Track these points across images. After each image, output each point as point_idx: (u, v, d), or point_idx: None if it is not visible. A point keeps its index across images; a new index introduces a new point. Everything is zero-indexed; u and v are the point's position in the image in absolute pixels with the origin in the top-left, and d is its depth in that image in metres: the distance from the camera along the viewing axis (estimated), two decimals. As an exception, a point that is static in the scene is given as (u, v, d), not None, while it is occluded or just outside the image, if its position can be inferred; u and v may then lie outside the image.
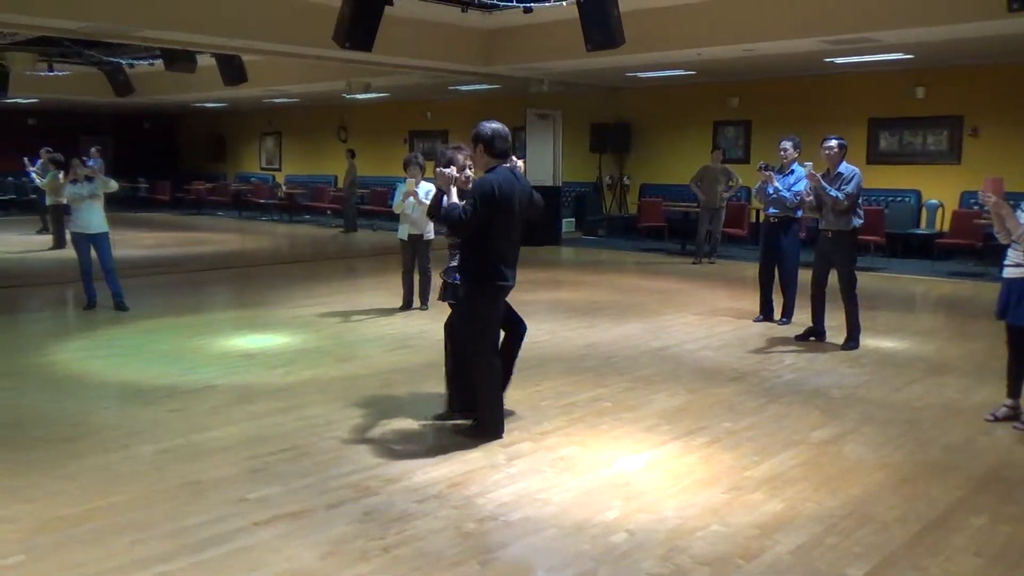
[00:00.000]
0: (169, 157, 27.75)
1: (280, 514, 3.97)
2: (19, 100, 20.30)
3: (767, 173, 8.21)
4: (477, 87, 17.48)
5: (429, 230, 8.98)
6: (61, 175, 14.02)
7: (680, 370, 6.76)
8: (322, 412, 5.57)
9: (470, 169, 5.22)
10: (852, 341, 7.51)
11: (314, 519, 3.93)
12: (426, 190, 8.30)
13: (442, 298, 5.44)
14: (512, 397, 5.53)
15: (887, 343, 7.76)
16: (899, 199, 14.08)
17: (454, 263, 5.24)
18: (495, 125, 4.97)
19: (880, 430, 5.30)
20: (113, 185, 9.09)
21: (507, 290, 5.06)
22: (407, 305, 9.18)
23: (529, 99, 16.82)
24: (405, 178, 8.65)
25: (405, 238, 9.06)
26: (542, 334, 8.02)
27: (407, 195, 8.60)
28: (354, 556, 3.57)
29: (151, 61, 15.20)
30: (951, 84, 13.53)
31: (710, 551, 3.67)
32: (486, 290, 4.96)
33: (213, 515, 3.95)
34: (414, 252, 9.06)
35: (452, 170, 4.98)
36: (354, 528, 3.84)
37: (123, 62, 15.50)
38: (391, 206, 9.05)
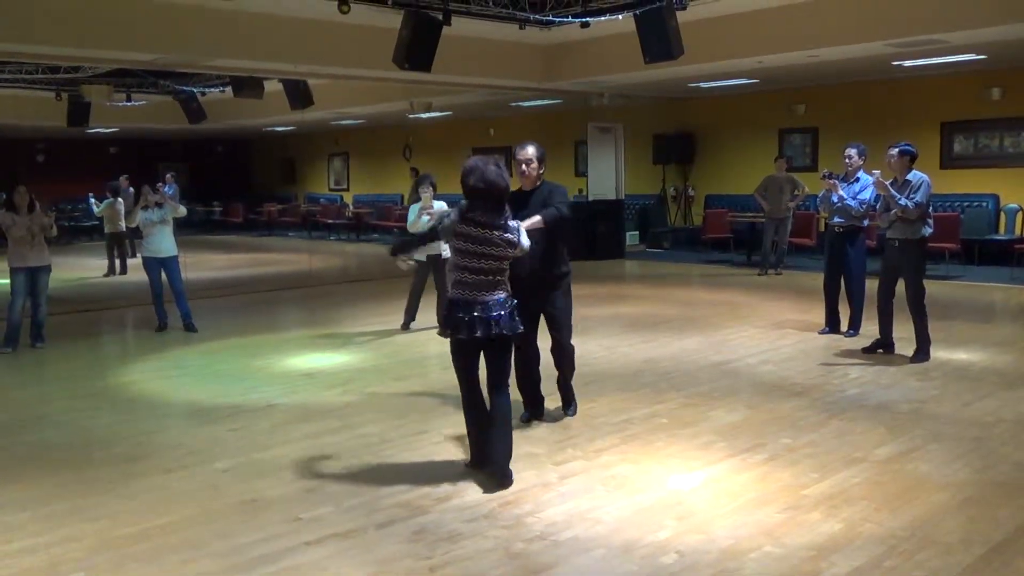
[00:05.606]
0: (242, 180, 28.53)
1: (331, 533, 4.01)
2: (100, 130, 21.18)
3: (831, 181, 8.03)
4: (538, 102, 17.53)
5: (446, 249, 8.89)
6: (120, 203, 14.58)
7: (740, 385, 6.63)
8: (377, 431, 5.62)
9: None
10: (922, 353, 7.26)
11: (364, 538, 3.96)
12: (440, 207, 8.25)
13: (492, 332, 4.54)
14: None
15: (960, 355, 7.47)
16: (975, 204, 13.57)
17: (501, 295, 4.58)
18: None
19: (947, 447, 5.10)
20: (182, 211, 9.41)
21: None
22: (409, 326, 9.19)
23: (590, 113, 16.78)
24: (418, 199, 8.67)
25: (423, 259, 8.52)
26: (600, 349, 7.97)
27: (423, 211, 8.45)
28: (399, 576, 3.59)
29: (222, 88, 15.70)
30: (1029, 84, 13.03)
31: (762, 573, 3.57)
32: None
33: (265, 534, 4.01)
34: (429, 272, 8.78)
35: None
36: (402, 548, 3.85)
37: (195, 90, 16.05)
38: (408, 225, 8.88)
